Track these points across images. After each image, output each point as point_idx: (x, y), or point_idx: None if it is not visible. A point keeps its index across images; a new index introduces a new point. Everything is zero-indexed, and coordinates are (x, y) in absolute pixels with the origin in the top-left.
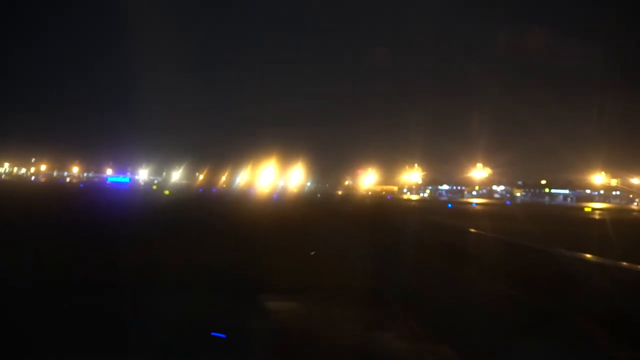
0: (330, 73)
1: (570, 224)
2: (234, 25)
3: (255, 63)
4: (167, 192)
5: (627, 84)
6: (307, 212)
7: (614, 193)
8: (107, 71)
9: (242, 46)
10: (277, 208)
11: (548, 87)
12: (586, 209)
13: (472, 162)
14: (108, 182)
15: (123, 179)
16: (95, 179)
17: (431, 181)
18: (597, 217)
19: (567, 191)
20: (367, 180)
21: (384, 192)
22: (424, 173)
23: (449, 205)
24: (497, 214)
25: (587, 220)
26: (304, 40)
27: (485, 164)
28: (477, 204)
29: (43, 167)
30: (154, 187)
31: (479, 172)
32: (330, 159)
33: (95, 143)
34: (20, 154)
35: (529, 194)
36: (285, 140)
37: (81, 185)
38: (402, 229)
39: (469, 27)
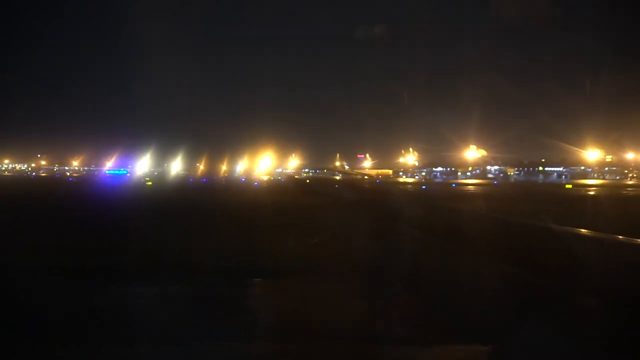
0: (325, 59)
1: (532, 199)
2: (228, 14)
3: (250, 53)
4: (150, 182)
5: (622, 60)
6: (296, 198)
7: (607, 169)
8: (109, 64)
9: (237, 36)
10: (258, 196)
11: (543, 64)
12: (567, 186)
13: (467, 143)
14: (106, 175)
15: (121, 171)
16: (94, 173)
17: (428, 163)
18: (571, 192)
19: (561, 169)
20: (364, 164)
21: (378, 176)
22: (418, 156)
23: (423, 187)
24: (464, 192)
25: (552, 195)
26: (293, 26)
27: (481, 145)
28: (456, 184)
29: (44, 163)
30: (146, 178)
31: (473, 153)
32: (328, 145)
33: (98, 137)
34: (24, 150)
35: (522, 173)
36: (283, 128)
37: (70, 179)
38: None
39: (460, 5)
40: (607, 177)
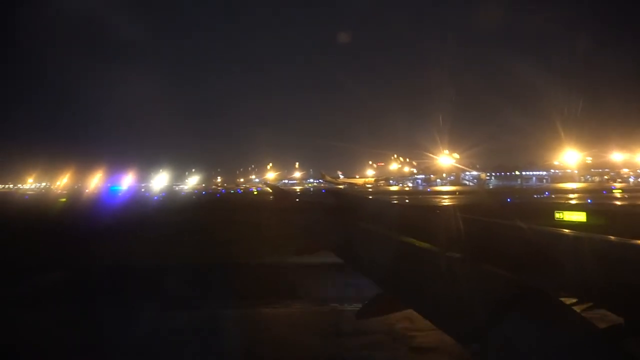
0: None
1: None
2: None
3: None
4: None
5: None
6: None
7: (592, 171)
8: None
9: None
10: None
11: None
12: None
13: (442, 150)
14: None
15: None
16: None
17: (419, 171)
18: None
19: (542, 172)
20: (367, 172)
21: (364, 185)
22: (406, 162)
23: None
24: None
25: None
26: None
27: (455, 151)
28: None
29: None
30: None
31: (447, 159)
32: (329, 158)
33: (54, 154)
34: None
35: (494, 178)
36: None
37: None
38: None
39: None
40: (589, 179)
